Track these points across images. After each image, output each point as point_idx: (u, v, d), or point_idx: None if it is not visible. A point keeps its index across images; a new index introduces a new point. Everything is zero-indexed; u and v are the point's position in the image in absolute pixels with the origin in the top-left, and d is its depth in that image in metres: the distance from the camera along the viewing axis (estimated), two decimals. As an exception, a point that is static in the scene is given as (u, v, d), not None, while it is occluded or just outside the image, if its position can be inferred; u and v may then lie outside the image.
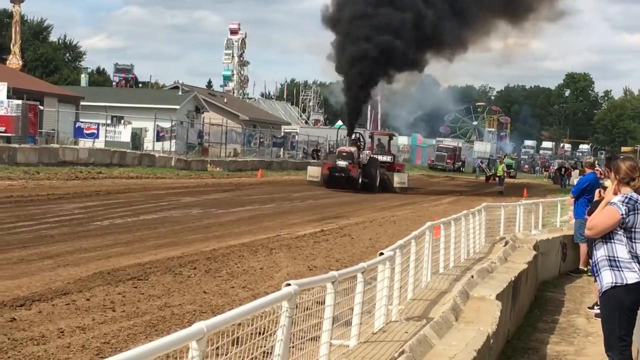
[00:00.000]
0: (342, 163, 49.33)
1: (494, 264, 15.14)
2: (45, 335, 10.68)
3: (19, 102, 48.72)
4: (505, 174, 65.91)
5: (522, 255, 17.30)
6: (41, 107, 54.29)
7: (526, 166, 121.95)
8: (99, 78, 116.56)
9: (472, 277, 13.26)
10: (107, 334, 10.97)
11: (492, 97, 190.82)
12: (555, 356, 12.89)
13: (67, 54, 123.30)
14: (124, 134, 57.54)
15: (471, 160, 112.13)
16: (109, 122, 59.46)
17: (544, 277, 20.00)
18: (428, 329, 9.00)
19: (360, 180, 49.85)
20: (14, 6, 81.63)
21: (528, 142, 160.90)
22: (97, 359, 9.29)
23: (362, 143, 55.28)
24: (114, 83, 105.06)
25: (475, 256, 17.48)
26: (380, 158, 54.86)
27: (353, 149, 51.23)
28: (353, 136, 56.43)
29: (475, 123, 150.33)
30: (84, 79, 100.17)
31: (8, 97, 48.59)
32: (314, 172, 52.10)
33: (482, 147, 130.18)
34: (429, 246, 13.27)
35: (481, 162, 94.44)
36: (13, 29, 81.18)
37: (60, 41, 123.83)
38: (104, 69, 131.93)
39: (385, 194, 49.47)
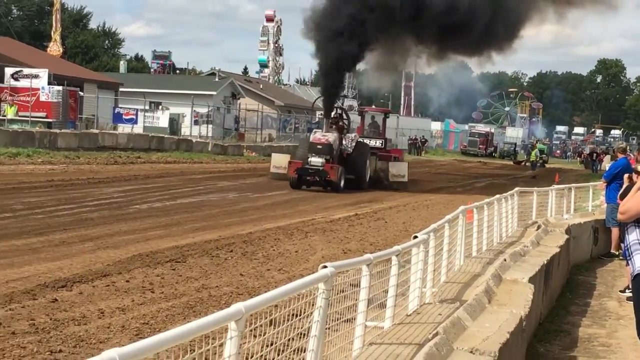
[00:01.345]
0: (316, 161, 34.24)
1: (526, 247, 15.07)
2: (86, 315, 10.74)
3: (60, 88, 48.95)
4: (539, 160, 65.58)
5: (554, 239, 17.21)
6: (81, 93, 54.59)
7: (558, 151, 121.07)
8: (137, 65, 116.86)
9: (505, 260, 13.19)
10: (146, 315, 11.02)
11: (525, 83, 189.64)
12: (587, 339, 12.81)
13: (107, 41, 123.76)
14: (162, 119, 57.81)
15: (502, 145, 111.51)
16: (147, 107, 59.62)
17: (575, 261, 19.90)
18: (461, 311, 8.96)
19: (343, 181, 35.11)
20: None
21: (560, 128, 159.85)
22: (137, 339, 9.32)
23: (346, 122, 39.44)
24: (152, 70, 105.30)
25: (507, 240, 17.38)
26: (370, 143, 40.83)
27: (332, 136, 36.22)
28: (332, 113, 40.26)
29: (507, 109, 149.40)
30: (122, 65, 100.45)
31: (49, 84, 48.82)
32: (279, 161, 38.59)
33: (514, 133, 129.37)
34: (462, 230, 13.20)
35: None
36: (54, 17, 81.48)
37: (100, 28, 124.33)
38: (142, 56, 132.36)
39: (381, 191, 36.32)
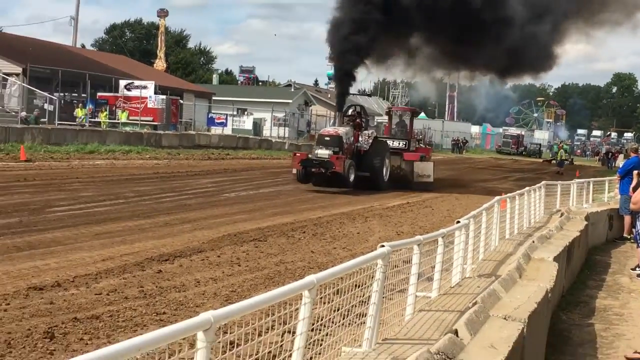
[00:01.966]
0: (322, 153, 27.98)
1: (551, 231, 14.91)
2: (185, 284, 10.85)
3: (164, 97, 49.53)
4: (568, 158, 64.86)
5: (575, 225, 17.00)
6: (181, 101, 55.15)
7: (578, 151, 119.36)
8: (227, 78, 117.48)
9: (533, 242, 13.06)
10: (234, 284, 11.10)
11: (550, 93, 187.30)
12: (602, 309, 12.65)
13: (202, 58, 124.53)
14: (247, 123, 58.38)
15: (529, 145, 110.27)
16: (235, 113, 60.18)
17: (593, 243, 19.64)
18: (496, 284, 8.90)
19: (352, 175, 28.68)
20: (160, 19, 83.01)
21: (580, 131, 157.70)
22: (227, 304, 9.39)
23: (364, 120, 32.52)
24: (239, 82, 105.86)
25: (535, 225, 17.17)
26: (390, 143, 33.35)
27: (343, 130, 29.67)
28: (350, 110, 33.03)
29: (535, 115, 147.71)
30: (215, 78, 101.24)
31: (155, 93, 49.44)
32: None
33: (541, 135, 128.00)
34: (497, 216, 13.09)
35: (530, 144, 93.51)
36: (159, 38, 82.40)
37: (197, 48, 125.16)
38: (231, 70, 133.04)
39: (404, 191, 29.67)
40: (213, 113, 58.43)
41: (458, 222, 9.80)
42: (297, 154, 29.07)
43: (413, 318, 7.72)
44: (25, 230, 14.16)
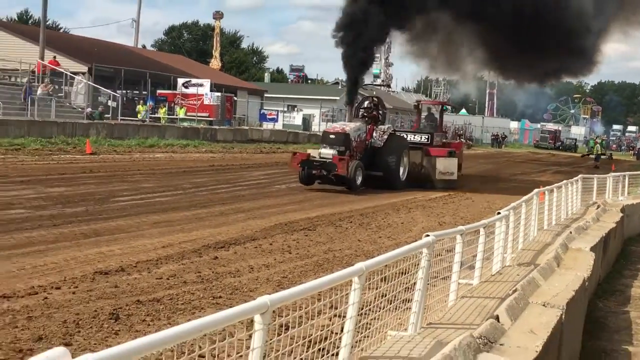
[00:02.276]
0: (326, 153, 23.85)
1: (588, 223, 14.74)
2: (239, 270, 10.90)
3: (219, 94, 49.76)
4: (605, 153, 64.00)
5: (611, 217, 16.80)
6: (235, 98, 55.44)
7: (613, 146, 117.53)
8: (278, 76, 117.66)
9: (571, 233, 12.94)
10: (285, 271, 11.13)
11: (587, 90, 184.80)
12: (637, 297, 12.50)
13: (255, 58, 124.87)
14: (296, 118, 58.24)
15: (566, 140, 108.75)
16: (285, 109, 60.24)
17: (628, 234, 19.39)
18: (535, 273, 8.83)
19: (360, 177, 24.01)
20: (215, 21, 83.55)
21: (616, 127, 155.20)
22: (279, 289, 9.43)
23: (381, 113, 27.72)
24: (289, 80, 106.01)
25: (572, 216, 17.00)
26: (412, 138, 28.56)
27: (352, 126, 25.23)
28: (366, 103, 28.46)
29: (572, 111, 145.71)
30: (267, 76, 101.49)
31: (211, 90, 49.68)
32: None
33: (578, 130, 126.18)
34: (535, 208, 12.98)
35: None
36: (214, 39, 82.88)
37: (250, 48, 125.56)
38: (282, 69, 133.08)
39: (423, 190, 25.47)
40: (265, 109, 58.63)
41: (499, 213, 9.73)
42: (297, 154, 24.56)
43: (456, 304, 7.69)
44: (91, 219, 14.35)
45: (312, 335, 4.96)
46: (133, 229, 13.73)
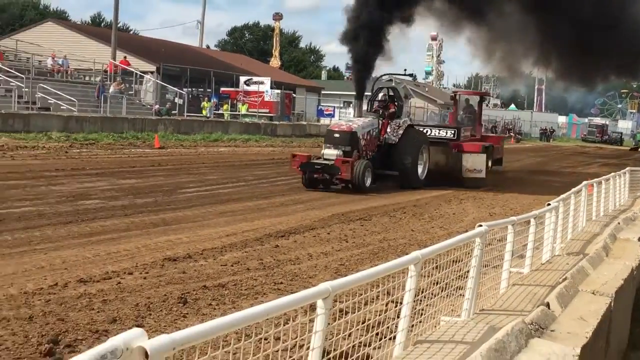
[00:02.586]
0: (329, 154, 20.60)
1: (636, 214, 14.44)
2: (299, 257, 10.93)
3: (279, 91, 50.10)
4: None
5: (658, 208, 16.41)
6: (294, 95, 55.64)
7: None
8: (334, 74, 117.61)
9: (619, 223, 12.69)
10: (342, 259, 11.12)
11: (634, 85, 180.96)
12: (685, 286, 12.18)
13: (312, 56, 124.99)
14: (352, 114, 58.13)
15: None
16: (341, 105, 60.20)
17: (675, 225, 18.91)
18: (584, 262, 8.67)
19: (369, 179, 20.44)
20: (275, 22, 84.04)
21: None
22: (337, 276, 9.44)
23: (398, 105, 23.52)
24: (345, 77, 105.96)
25: (620, 208, 16.65)
26: (435, 133, 25.09)
27: (360, 122, 21.65)
28: (380, 95, 24.31)
29: (619, 106, 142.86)
30: (324, 74, 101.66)
31: (271, 88, 49.99)
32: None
33: (624, 124, 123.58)
34: (584, 199, 12.75)
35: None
36: (274, 39, 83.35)
37: (307, 47, 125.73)
38: (338, 67, 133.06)
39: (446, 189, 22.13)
40: (322, 105, 58.81)
41: (548, 204, 9.59)
42: (297, 156, 20.92)
43: (507, 291, 7.60)
44: (160, 209, 14.53)
45: (369, 320, 4.96)
46: (199, 218, 13.86)
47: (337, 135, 20.89)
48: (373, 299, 5.01)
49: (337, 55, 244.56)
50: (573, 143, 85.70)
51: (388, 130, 22.48)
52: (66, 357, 6.00)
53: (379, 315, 5.23)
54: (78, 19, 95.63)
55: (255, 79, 51.73)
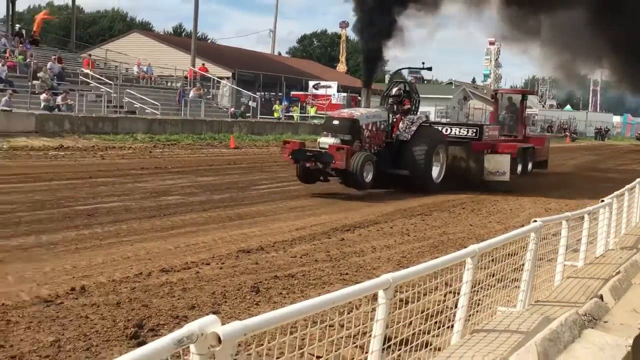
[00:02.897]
0: (325, 142, 17.68)
1: (688, 210, 13.97)
2: (363, 250, 10.91)
3: (345, 94, 50.14)
4: None
5: None
6: (359, 98, 55.45)
7: None
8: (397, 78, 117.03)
9: (672, 219, 12.32)
10: (404, 251, 11.06)
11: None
12: None
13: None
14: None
15: None
16: (404, 107, 60.06)
17: None
18: (638, 256, 8.44)
19: (370, 174, 17.36)
20: (341, 30, 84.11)
21: None
22: (399, 268, 9.39)
23: (414, 101, 20.40)
24: (408, 79, 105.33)
25: (673, 204, 16.16)
26: (456, 132, 21.89)
27: (365, 112, 18.93)
28: (395, 89, 20.74)
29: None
30: (387, 78, 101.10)
31: (337, 91, 50.12)
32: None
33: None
34: (638, 196, 12.41)
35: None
36: (341, 46, 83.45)
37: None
38: (400, 72, 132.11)
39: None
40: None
41: (602, 200, 9.36)
42: (289, 143, 18.25)
43: (562, 284, 7.46)
44: (235, 204, 14.69)
45: (428, 309, 4.93)
46: (271, 213, 13.96)
47: (336, 122, 17.82)
48: (432, 289, 4.98)
49: (399, 60, 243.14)
50: (627, 142, 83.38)
51: (400, 126, 19.24)
52: (149, 340, 6.12)
53: (438, 305, 5.20)
54: (161, 29, 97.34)
55: (323, 83, 51.96)
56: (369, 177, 17.17)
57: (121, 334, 6.25)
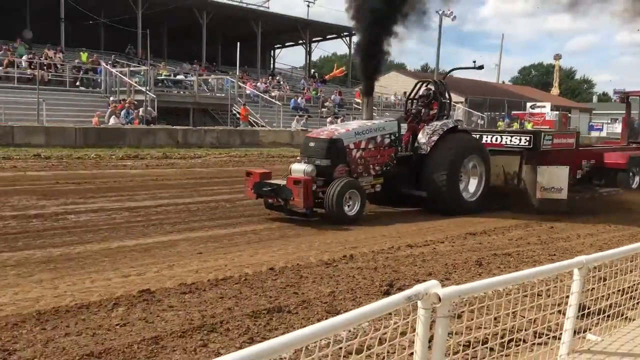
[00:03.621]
0: (297, 169, 9.98)
1: None
2: (569, 237, 10.05)
3: (557, 112, 47.18)
4: None
5: None
6: (569, 115, 52.03)
7: None
8: (603, 98, 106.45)
9: None
10: (606, 239, 9.93)
11: None
12: None
13: (585, 85, 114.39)
14: (618, 128, 52.38)
15: None
16: (608, 122, 54.78)
17: None
18: None
19: (357, 207, 10.01)
20: (555, 61, 78.79)
21: None
22: (599, 251, 8.56)
23: (440, 103, 12.17)
24: (613, 100, 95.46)
25: None
26: (506, 141, 12.67)
27: (351, 126, 10.81)
28: (422, 89, 12.61)
29: None
30: (594, 98, 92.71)
31: (551, 110, 47.38)
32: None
33: None
34: None
35: None
36: (555, 74, 78.07)
37: (581, 78, 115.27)
38: (607, 92, 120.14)
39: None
40: (592, 122, 53.97)
41: None
42: (252, 174, 10.51)
43: None
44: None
45: (622, 287, 4.46)
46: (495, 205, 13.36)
47: (312, 144, 10.52)
48: (626, 271, 4.49)
49: (606, 83, 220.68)
50: None
51: (419, 137, 11.86)
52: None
53: (632, 284, 4.67)
54: (412, 68, 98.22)
55: (538, 104, 49.42)
56: (355, 209, 10.21)
57: (377, 290, 6.41)
